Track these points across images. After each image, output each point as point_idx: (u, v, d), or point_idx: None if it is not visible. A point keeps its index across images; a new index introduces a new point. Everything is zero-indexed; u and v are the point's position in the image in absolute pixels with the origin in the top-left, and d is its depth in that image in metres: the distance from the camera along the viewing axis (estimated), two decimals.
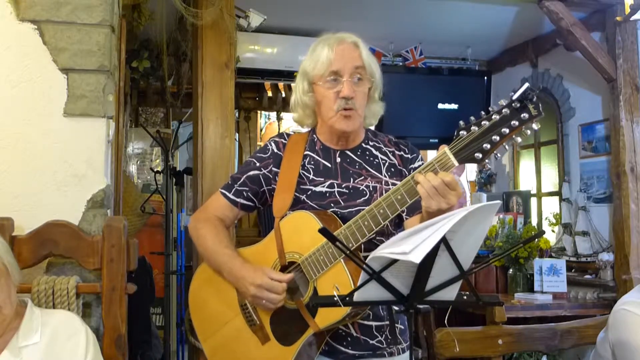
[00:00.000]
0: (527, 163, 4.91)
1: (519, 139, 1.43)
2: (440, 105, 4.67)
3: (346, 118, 1.70)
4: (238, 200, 1.80)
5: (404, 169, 1.76)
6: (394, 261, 1.19)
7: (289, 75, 4.39)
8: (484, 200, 4.46)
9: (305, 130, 1.89)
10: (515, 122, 1.39)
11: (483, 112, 1.45)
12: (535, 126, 1.41)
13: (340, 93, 1.68)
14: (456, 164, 1.45)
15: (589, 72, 3.85)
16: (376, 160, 1.77)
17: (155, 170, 4.65)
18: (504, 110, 1.40)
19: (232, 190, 1.81)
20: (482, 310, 3.27)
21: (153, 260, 4.41)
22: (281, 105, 5.32)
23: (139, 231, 4.40)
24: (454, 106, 4.69)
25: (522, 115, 1.39)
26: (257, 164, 1.80)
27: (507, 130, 1.40)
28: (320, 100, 1.73)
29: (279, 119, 5.62)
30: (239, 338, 1.74)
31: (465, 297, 1.34)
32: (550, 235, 4.29)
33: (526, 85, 1.40)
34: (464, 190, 1.56)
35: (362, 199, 1.70)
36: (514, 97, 1.39)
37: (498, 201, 1.28)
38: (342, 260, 1.57)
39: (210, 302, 1.81)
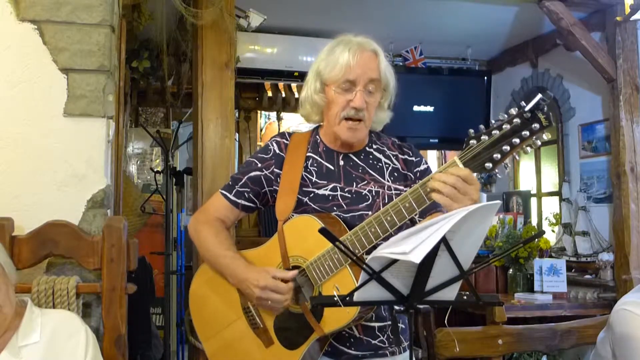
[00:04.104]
0: (527, 163, 4.90)
1: (529, 149, 1.41)
2: (440, 106, 4.66)
3: (351, 129, 1.68)
4: (239, 201, 1.79)
5: (409, 173, 1.75)
6: (394, 261, 1.19)
7: (289, 75, 4.39)
8: (484, 200, 4.45)
9: (306, 129, 1.87)
10: (526, 133, 1.38)
11: (493, 121, 1.42)
12: (545, 136, 1.39)
13: (352, 103, 1.66)
14: None
15: (589, 72, 3.85)
16: (379, 164, 1.76)
17: (155, 170, 4.65)
18: (514, 120, 1.38)
19: (232, 191, 1.79)
20: (482, 310, 3.27)
21: (153, 260, 4.41)
22: (281, 105, 5.31)
23: (139, 231, 4.40)
24: (455, 107, 4.68)
25: (533, 126, 1.37)
26: (259, 165, 1.78)
27: (518, 141, 1.38)
28: (330, 104, 1.71)
29: (279, 119, 5.61)
30: (242, 340, 1.73)
31: (465, 297, 1.33)
32: (550, 235, 4.29)
33: (539, 96, 1.37)
34: None
35: (365, 203, 1.69)
36: (527, 108, 1.37)
37: (498, 201, 1.27)
38: (347, 266, 1.56)
39: (211, 303, 1.80)
